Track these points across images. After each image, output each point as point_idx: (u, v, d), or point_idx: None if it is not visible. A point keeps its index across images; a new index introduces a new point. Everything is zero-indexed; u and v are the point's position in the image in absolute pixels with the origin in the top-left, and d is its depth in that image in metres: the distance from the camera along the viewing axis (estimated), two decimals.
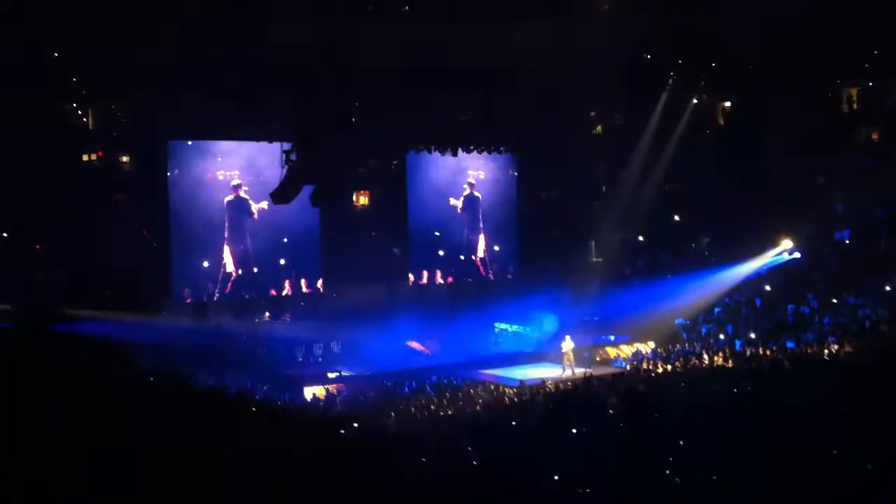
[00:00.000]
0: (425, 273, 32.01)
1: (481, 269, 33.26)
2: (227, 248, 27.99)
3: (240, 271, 28.22)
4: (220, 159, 27.85)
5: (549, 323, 28.80)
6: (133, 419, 8.93)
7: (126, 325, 23.29)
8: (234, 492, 7.85)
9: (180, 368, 19.20)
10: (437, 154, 30.74)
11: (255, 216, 28.22)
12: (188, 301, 27.29)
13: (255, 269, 28.58)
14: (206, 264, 27.59)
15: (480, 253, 33.32)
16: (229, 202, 27.97)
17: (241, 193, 28.03)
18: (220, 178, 27.86)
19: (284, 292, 29.20)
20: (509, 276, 33.59)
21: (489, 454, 12.03)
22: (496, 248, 33.58)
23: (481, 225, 33.31)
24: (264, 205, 27.75)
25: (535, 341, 28.58)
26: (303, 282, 29.48)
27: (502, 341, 29.27)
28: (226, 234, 27.96)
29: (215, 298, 27.78)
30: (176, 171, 27.23)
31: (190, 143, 27.46)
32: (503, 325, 29.73)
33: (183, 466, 7.32)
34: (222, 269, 27.93)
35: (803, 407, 14.16)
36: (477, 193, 33.18)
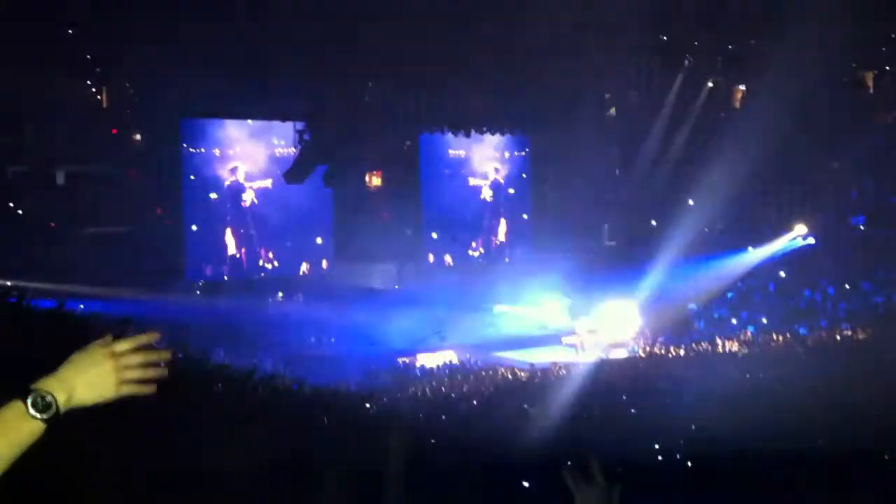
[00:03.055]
0: (448, 257, 32.28)
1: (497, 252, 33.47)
2: (228, 231, 28.22)
3: (243, 252, 28.47)
4: (232, 137, 28.01)
5: (557, 305, 28.71)
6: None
7: (138, 303, 23.39)
8: (249, 471, 7.85)
9: (191, 347, 19.29)
10: (450, 135, 30.78)
11: (255, 198, 28.39)
12: (207, 276, 27.86)
13: (266, 251, 28.80)
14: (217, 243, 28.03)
15: (501, 237, 33.46)
16: (228, 186, 28.13)
17: (239, 177, 28.13)
18: (231, 155, 28.10)
19: (301, 272, 29.42)
20: (507, 260, 33.59)
21: (501, 437, 12.06)
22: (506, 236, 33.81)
23: (502, 210, 33.44)
24: (268, 183, 28.13)
25: (543, 324, 28.53)
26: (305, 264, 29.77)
27: (502, 323, 29.15)
28: (228, 218, 28.20)
29: (225, 279, 28.18)
30: (189, 148, 27.40)
31: (203, 120, 27.61)
32: (504, 307, 29.63)
33: (197, 448, 7.32)
34: (226, 252, 28.29)
35: (814, 395, 14.17)
36: (501, 179, 33.28)
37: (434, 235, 31.91)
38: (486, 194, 33.23)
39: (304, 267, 29.61)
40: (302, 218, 29.04)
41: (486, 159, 33.12)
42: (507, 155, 33.64)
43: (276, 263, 29.07)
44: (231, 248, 28.29)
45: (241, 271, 28.49)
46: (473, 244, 32.96)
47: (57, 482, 4.92)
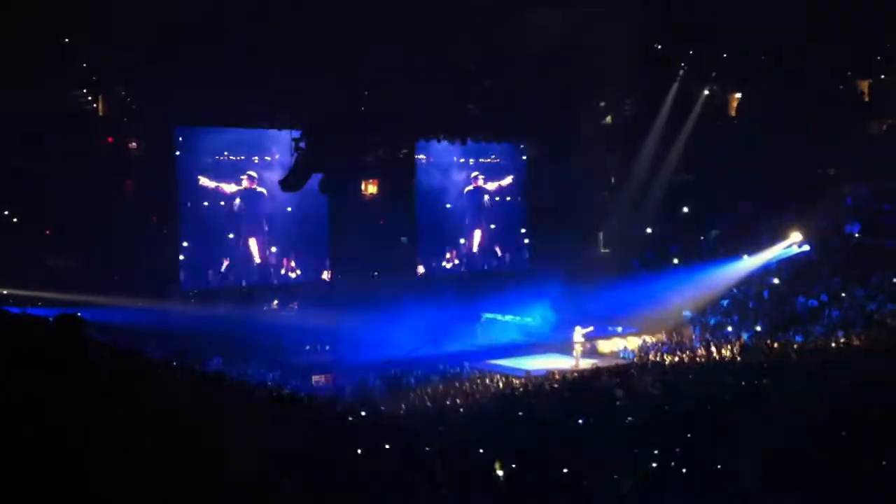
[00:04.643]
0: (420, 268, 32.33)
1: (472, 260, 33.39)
2: (252, 240, 28.50)
3: (260, 260, 28.78)
4: (228, 145, 28.02)
5: (548, 313, 28.67)
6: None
7: (133, 312, 23.39)
8: (239, 481, 7.83)
9: (187, 356, 19.31)
10: (445, 143, 30.78)
11: (269, 206, 28.49)
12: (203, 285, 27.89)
13: (280, 256, 29.07)
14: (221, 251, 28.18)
15: (475, 247, 33.30)
16: (241, 192, 28.05)
17: (255, 186, 28.13)
18: (228, 164, 28.07)
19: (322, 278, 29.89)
20: (485, 268, 33.45)
21: (497, 445, 12.04)
22: (498, 244, 33.74)
23: (483, 219, 33.30)
24: (263, 191, 28.44)
25: (533, 331, 28.51)
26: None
27: (489, 331, 29.06)
28: (243, 225, 28.36)
29: (243, 285, 28.44)
30: (183, 156, 27.43)
31: (198, 129, 27.64)
32: (492, 315, 29.55)
33: (182, 455, 7.28)
34: (248, 259, 28.58)
35: (809, 401, 14.16)
36: (483, 185, 33.16)
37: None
38: (477, 202, 33.21)
39: (325, 275, 29.93)
40: (304, 226, 29.15)
41: (475, 167, 33.11)
42: (498, 161, 33.64)
43: (298, 271, 29.39)
44: (255, 257, 28.66)
45: (251, 278, 28.74)
46: (448, 254, 32.90)
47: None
